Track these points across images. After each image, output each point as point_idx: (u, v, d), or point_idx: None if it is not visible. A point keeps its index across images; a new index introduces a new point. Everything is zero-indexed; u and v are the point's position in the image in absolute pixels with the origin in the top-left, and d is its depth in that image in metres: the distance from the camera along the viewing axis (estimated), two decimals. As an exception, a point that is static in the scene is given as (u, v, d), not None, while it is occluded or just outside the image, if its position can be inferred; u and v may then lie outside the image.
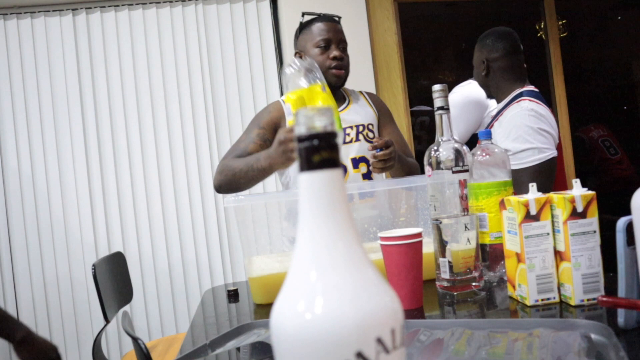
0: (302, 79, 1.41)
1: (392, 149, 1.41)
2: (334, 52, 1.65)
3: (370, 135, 1.69)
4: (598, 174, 3.66)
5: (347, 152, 1.65)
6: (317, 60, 1.65)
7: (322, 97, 1.39)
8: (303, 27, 1.73)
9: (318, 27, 1.68)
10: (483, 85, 1.91)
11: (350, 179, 1.64)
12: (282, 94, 2.84)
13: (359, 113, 1.71)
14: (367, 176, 1.66)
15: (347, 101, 1.75)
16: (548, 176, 1.69)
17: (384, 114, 1.77)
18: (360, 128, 1.68)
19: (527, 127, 1.67)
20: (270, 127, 1.66)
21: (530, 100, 1.72)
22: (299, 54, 1.72)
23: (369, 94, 1.82)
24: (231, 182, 1.52)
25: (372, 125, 1.71)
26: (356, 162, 1.64)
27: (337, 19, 1.73)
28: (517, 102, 1.75)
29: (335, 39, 1.66)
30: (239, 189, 1.54)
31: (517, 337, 0.78)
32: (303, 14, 1.75)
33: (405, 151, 1.72)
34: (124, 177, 2.74)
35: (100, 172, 2.71)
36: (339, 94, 1.75)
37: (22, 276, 2.63)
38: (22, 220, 2.65)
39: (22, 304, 2.64)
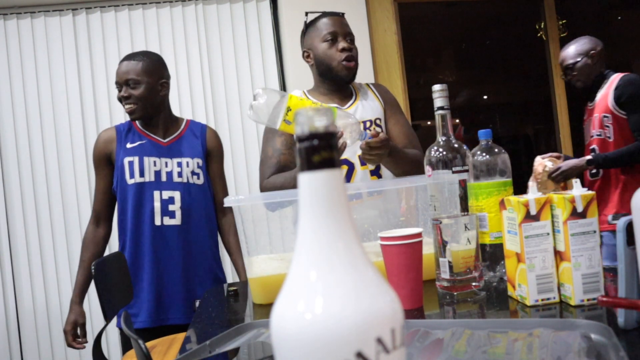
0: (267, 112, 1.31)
1: (384, 139, 1.39)
2: (342, 44, 1.63)
3: (378, 129, 1.68)
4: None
5: (355, 149, 1.64)
6: (326, 54, 1.64)
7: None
8: (308, 25, 1.72)
9: (324, 22, 1.67)
10: None
11: (357, 176, 1.64)
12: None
13: (367, 108, 1.71)
14: (375, 173, 1.66)
15: (354, 97, 1.74)
16: None
17: (389, 105, 1.76)
18: (368, 124, 1.68)
19: None
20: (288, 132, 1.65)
21: None
22: (307, 52, 1.71)
23: (375, 85, 1.82)
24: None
25: (379, 119, 1.70)
26: None
27: (341, 14, 1.73)
28: None
29: (341, 32, 1.65)
30: None
31: (517, 337, 0.78)
32: (307, 14, 1.74)
33: (412, 141, 1.71)
34: (124, 177, 2.74)
35: (100, 172, 2.70)
36: (348, 89, 1.75)
37: (23, 276, 2.63)
38: (22, 220, 2.65)
39: (23, 304, 2.64)
